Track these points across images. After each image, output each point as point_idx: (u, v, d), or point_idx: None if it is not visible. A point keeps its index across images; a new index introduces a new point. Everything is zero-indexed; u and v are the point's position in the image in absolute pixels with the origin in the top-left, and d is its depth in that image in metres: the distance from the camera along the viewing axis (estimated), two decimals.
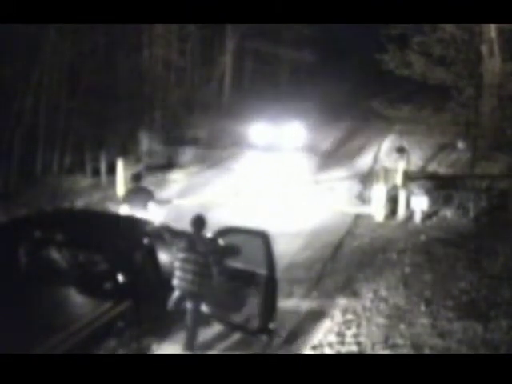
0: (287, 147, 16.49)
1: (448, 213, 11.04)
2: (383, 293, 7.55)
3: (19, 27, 11.14)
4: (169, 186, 13.59)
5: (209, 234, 6.31)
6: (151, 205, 9.06)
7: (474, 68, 14.49)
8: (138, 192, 8.95)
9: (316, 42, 25.79)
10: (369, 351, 6.02)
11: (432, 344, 6.07)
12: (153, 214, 8.95)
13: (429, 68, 15.06)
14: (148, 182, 11.09)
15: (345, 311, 7.09)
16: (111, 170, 13.01)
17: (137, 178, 10.15)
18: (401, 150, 13.08)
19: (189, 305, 6.09)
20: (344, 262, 9.03)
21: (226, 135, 18.20)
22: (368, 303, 7.27)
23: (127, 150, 14.92)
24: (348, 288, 7.86)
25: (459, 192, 11.45)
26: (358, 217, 11.34)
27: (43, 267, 6.07)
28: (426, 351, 5.94)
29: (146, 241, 6.33)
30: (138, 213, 8.50)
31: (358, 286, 7.90)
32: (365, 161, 15.79)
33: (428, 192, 11.17)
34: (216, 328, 6.55)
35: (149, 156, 15.57)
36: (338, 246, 9.77)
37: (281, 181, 13.42)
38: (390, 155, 15.16)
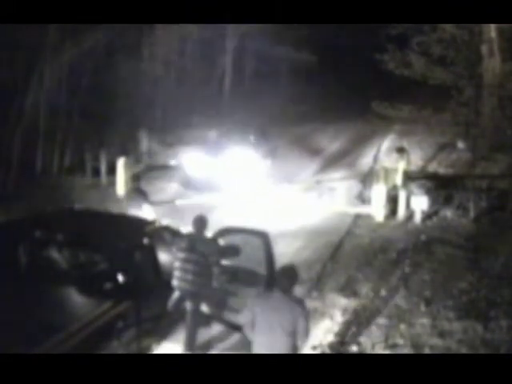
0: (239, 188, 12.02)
1: (448, 213, 11.04)
2: (383, 293, 7.56)
3: (19, 27, 11.15)
4: None
5: (209, 234, 6.31)
6: (145, 206, 9.12)
7: (474, 68, 14.49)
8: (134, 193, 9.02)
9: (316, 42, 25.76)
10: (369, 351, 6.03)
11: (432, 344, 6.08)
12: (147, 215, 9.01)
13: (429, 68, 15.05)
14: None
15: (345, 311, 7.10)
16: (111, 169, 13.01)
17: (136, 178, 10.20)
18: (401, 150, 13.07)
19: (189, 305, 6.09)
20: (344, 262, 9.03)
21: None
22: (368, 303, 7.27)
23: (127, 149, 14.92)
24: (348, 288, 7.86)
25: (459, 192, 11.45)
26: (357, 217, 11.34)
27: (43, 267, 6.07)
28: (426, 351, 5.95)
29: (145, 241, 6.33)
30: (134, 213, 8.55)
31: (358, 286, 7.90)
32: (365, 161, 15.78)
33: (428, 192, 11.17)
34: (216, 328, 6.56)
35: (149, 156, 15.58)
36: (337, 246, 9.77)
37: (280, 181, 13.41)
38: (389, 155, 15.16)
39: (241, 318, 4.99)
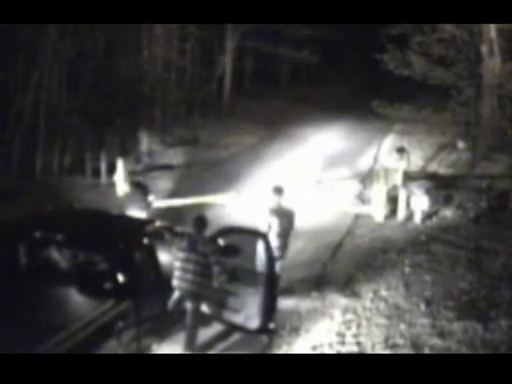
0: None
1: (448, 213, 11.02)
2: (383, 293, 7.55)
3: (19, 27, 11.14)
4: None
5: (209, 234, 6.31)
6: (147, 201, 9.06)
7: (473, 68, 14.49)
8: (136, 191, 8.97)
9: (316, 42, 25.77)
10: (369, 351, 6.01)
11: (432, 344, 6.07)
12: (150, 213, 8.96)
13: (429, 68, 15.05)
14: None
15: (345, 311, 7.09)
16: (111, 169, 12.99)
17: (135, 176, 10.13)
18: (401, 150, 13.03)
19: (189, 305, 6.09)
20: (344, 262, 9.03)
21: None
22: (368, 303, 7.26)
23: (127, 149, 14.91)
24: (348, 288, 7.86)
25: (459, 192, 11.44)
26: (358, 217, 11.32)
27: (43, 267, 6.06)
28: (426, 351, 5.93)
29: (145, 241, 6.33)
30: (136, 212, 8.51)
31: (358, 286, 7.90)
32: (365, 161, 15.77)
33: (428, 192, 11.15)
34: (216, 328, 6.55)
35: (149, 156, 15.57)
36: (337, 246, 9.77)
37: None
38: (390, 155, 15.15)
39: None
